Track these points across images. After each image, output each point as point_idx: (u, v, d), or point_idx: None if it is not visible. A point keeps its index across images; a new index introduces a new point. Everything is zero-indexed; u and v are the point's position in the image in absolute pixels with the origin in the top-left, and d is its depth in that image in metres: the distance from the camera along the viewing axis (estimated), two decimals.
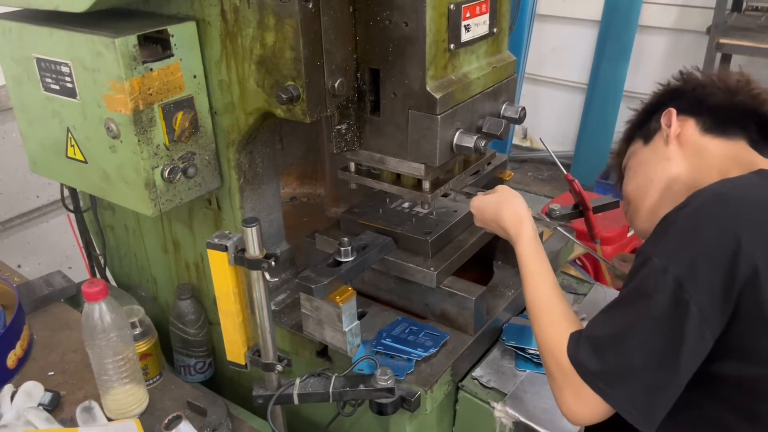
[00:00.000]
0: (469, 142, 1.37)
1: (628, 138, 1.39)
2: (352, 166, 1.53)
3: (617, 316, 1.09)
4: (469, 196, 1.54)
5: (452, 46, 1.33)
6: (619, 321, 1.08)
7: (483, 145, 1.38)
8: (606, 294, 1.77)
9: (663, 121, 1.27)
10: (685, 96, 1.28)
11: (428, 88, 1.30)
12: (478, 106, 1.43)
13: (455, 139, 1.37)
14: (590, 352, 1.08)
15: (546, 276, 1.28)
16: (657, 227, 1.09)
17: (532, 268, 1.30)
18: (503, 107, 1.53)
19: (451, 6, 1.29)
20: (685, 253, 1.01)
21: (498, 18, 1.44)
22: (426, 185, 1.44)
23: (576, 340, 1.12)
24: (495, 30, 1.45)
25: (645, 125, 1.34)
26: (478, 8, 1.37)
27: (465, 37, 1.36)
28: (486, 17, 1.40)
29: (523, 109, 1.53)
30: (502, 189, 1.45)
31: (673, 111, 1.26)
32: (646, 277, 1.04)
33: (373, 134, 1.42)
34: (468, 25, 1.35)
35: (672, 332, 1.01)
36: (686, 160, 1.24)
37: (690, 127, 1.25)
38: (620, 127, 4.93)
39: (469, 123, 1.42)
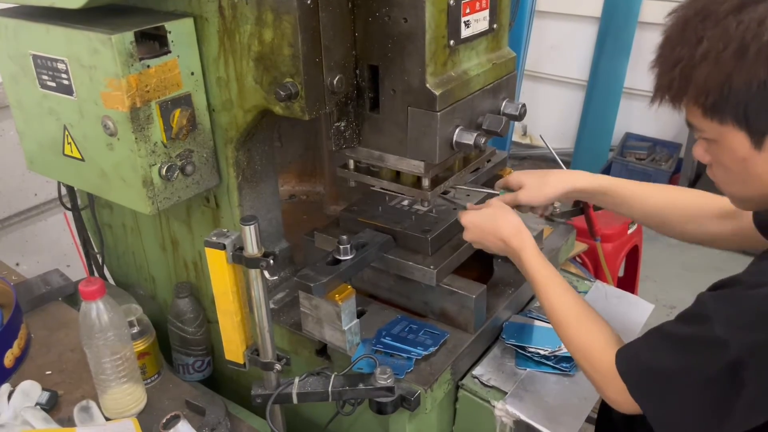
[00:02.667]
0: (469, 139, 1.36)
1: (710, 113, 1.00)
2: (351, 163, 1.52)
3: (667, 355, 1.06)
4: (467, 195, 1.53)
5: (452, 42, 1.32)
6: (668, 360, 1.05)
7: (483, 142, 1.37)
8: (606, 292, 1.77)
9: None
10: None
11: (428, 85, 1.29)
12: (477, 103, 1.42)
13: (455, 136, 1.36)
14: (639, 374, 1.10)
15: (561, 281, 1.28)
16: (733, 288, 1.00)
17: (545, 276, 1.29)
18: (503, 104, 1.52)
19: (451, 2, 1.28)
20: (756, 337, 0.94)
21: (498, 14, 1.44)
22: (425, 183, 1.43)
23: (625, 360, 1.12)
24: (495, 26, 1.44)
25: (750, 108, 0.96)
26: (477, 4, 1.36)
27: (465, 33, 1.35)
28: (486, 13, 1.39)
29: (524, 105, 1.52)
30: (495, 202, 1.43)
31: None
32: (703, 340, 0.99)
33: (372, 131, 1.41)
34: (468, 21, 1.34)
35: (721, 402, 0.98)
36: None
37: None
38: (620, 124, 4.97)
39: (469, 120, 1.41)
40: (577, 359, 1.23)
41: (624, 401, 1.12)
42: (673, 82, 1.00)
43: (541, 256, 1.32)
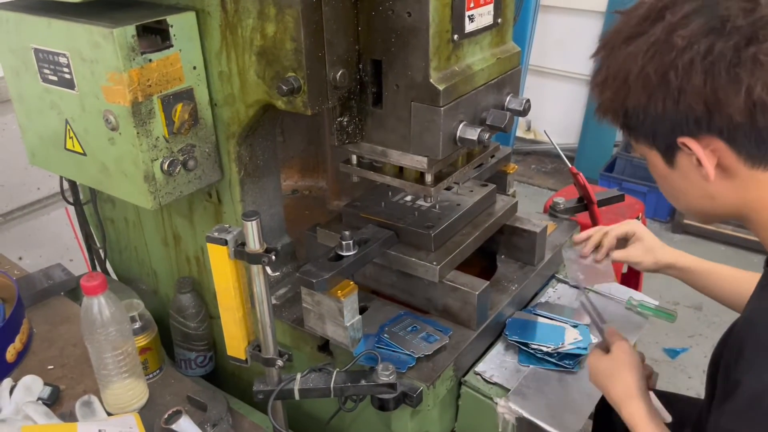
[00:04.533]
0: (473, 134, 1.35)
1: (626, 132, 1.10)
2: (354, 158, 1.52)
3: None
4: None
5: (456, 36, 1.31)
6: None
7: (487, 137, 1.36)
8: (610, 288, 1.76)
9: (683, 146, 0.99)
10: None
11: (431, 80, 1.28)
12: (481, 98, 1.41)
13: (458, 131, 1.35)
14: None
15: None
16: (747, 407, 0.96)
17: None
18: (507, 99, 1.50)
19: None
20: None
21: (502, 8, 1.42)
22: (429, 178, 1.42)
23: None
24: (499, 21, 1.43)
25: (648, 132, 1.04)
26: None
27: (469, 27, 1.34)
28: (490, 7, 1.38)
29: (528, 101, 1.50)
30: (616, 352, 1.29)
31: (693, 144, 0.98)
32: None
33: (375, 127, 1.40)
34: (472, 15, 1.33)
35: None
36: (738, 194, 1.02)
37: (729, 158, 0.98)
38: None
39: (473, 115, 1.40)
40: None
41: None
42: (597, 103, 1.09)
43: (651, 422, 1.19)
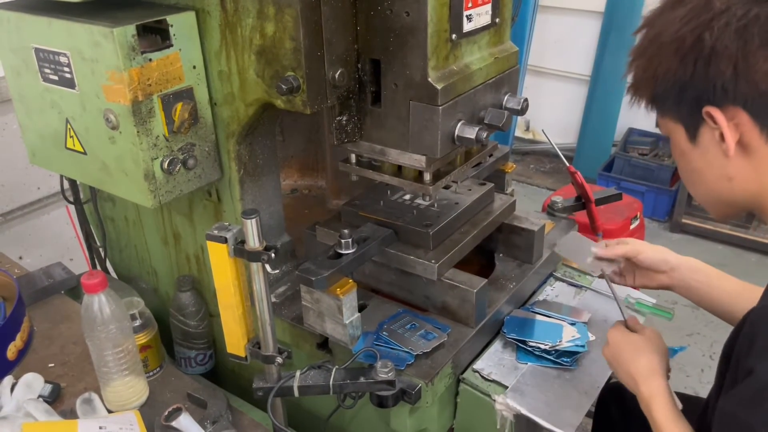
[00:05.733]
0: (471, 133, 1.35)
1: (654, 105, 1.10)
2: (353, 157, 1.52)
3: None
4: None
5: (454, 36, 1.32)
6: None
7: (485, 136, 1.36)
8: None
9: (708, 118, 1.00)
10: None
11: (430, 79, 1.28)
12: (479, 97, 1.42)
13: (457, 130, 1.36)
14: None
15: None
16: (758, 393, 0.93)
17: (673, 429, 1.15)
18: (505, 98, 1.51)
19: None
20: None
21: (500, 8, 1.43)
22: (427, 177, 1.43)
23: None
24: (497, 20, 1.43)
25: (675, 101, 1.04)
26: None
27: (467, 27, 1.34)
28: (488, 7, 1.39)
29: (526, 100, 1.51)
30: (650, 333, 1.31)
31: (718, 114, 0.98)
32: None
33: (374, 126, 1.40)
34: (470, 15, 1.34)
35: None
36: (757, 176, 1.02)
37: (751, 133, 0.98)
38: (623, 119, 4.95)
39: (471, 114, 1.41)
40: None
41: None
42: (630, 77, 1.11)
43: (670, 412, 1.18)
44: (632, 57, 1.09)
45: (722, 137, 1.00)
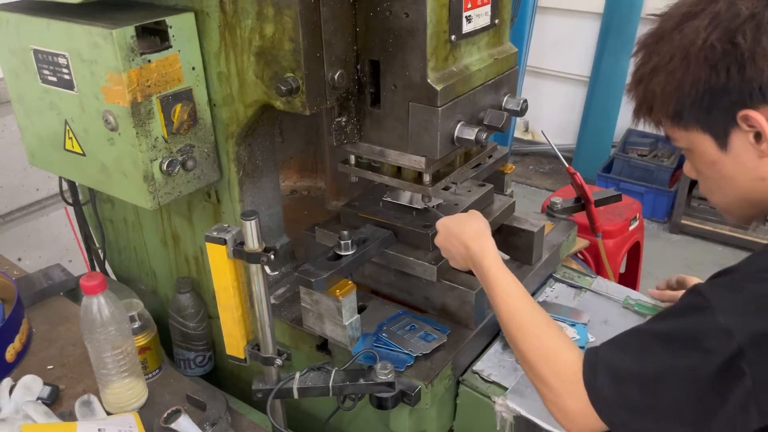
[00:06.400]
0: (470, 134, 1.35)
1: (676, 120, 1.07)
2: (352, 158, 1.52)
3: (652, 354, 1.00)
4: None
5: (453, 37, 1.32)
6: (653, 361, 1.00)
7: (484, 137, 1.36)
8: (608, 287, 1.76)
9: (742, 122, 0.99)
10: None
11: (429, 80, 1.28)
12: (479, 98, 1.42)
13: (456, 131, 1.36)
14: (610, 383, 1.02)
15: (520, 288, 1.24)
16: (732, 276, 0.99)
17: (504, 282, 1.25)
18: (505, 99, 1.51)
19: None
20: (759, 325, 0.91)
21: (500, 9, 1.43)
22: (426, 178, 1.43)
23: (592, 365, 1.05)
24: (496, 21, 1.43)
25: (704, 111, 1.03)
26: None
27: (466, 28, 1.34)
28: (487, 8, 1.39)
29: (525, 101, 1.51)
30: (471, 211, 1.44)
31: (756, 116, 0.97)
32: (704, 330, 0.95)
33: (374, 127, 1.40)
34: (469, 16, 1.34)
35: (713, 394, 0.94)
36: None
37: None
38: (623, 120, 4.94)
39: (470, 115, 1.41)
40: (536, 367, 1.13)
41: (582, 414, 1.04)
42: (640, 98, 1.10)
43: (500, 263, 1.29)
44: (641, 77, 1.07)
45: (756, 139, 0.99)
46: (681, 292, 1.55)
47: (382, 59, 1.32)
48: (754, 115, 0.97)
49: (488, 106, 1.46)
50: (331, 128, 1.40)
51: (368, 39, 1.32)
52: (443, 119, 1.31)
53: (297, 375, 1.35)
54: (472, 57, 1.40)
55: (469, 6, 1.33)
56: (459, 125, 1.36)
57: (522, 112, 1.52)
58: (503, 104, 1.51)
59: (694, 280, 1.57)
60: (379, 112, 1.38)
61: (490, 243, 1.33)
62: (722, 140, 1.03)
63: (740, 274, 0.99)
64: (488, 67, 1.43)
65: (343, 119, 1.39)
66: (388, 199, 1.61)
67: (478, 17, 1.37)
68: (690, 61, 0.99)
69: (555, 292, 1.76)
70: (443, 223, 1.41)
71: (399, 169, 1.48)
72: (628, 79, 1.14)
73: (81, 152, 1.48)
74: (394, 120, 1.36)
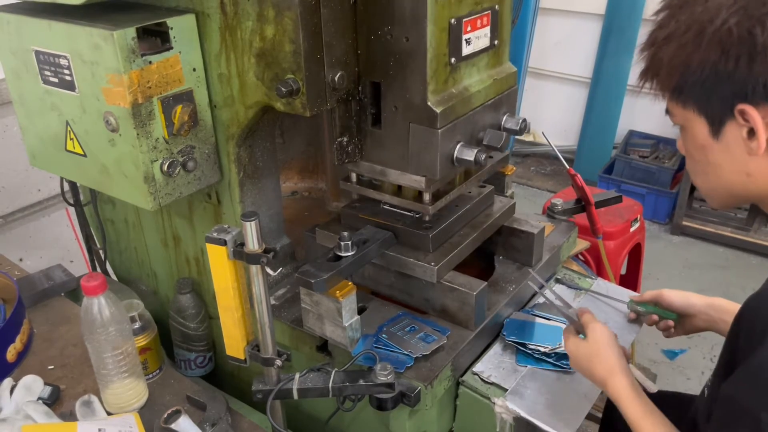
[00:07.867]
0: (470, 155, 1.36)
1: (676, 94, 1.05)
2: (354, 176, 1.53)
3: None
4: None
5: (453, 60, 1.32)
6: None
7: (483, 158, 1.37)
8: (608, 289, 1.77)
9: (739, 116, 0.97)
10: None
11: (429, 103, 1.29)
12: (478, 118, 1.43)
13: (456, 152, 1.37)
14: None
15: (661, 418, 1.19)
16: (758, 375, 0.94)
17: (641, 417, 1.19)
18: (504, 119, 1.52)
19: (452, 20, 1.28)
20: None
21: (499, 29, 1.43)
22: (427, 197, 1.44)
23: None
24: (496, 42, 1.44)
25: (705, 93, 1.00)
26: (479, 21, 1.36)
27: (466, 50, 1.35)
28: (487, 30, 1.39)
29: (524, 120, 1.52)
30: (592, 335, 1.33)
31: (753, 113, 0.95)
32: None
33: (375, 146, 1.41)
34: (469, 38, 1.34)
35: None
36: None
37: None
38: (624, 122, 4.94)
39: (470, 136, 1.41)
40: None
41: None
42: (648, 63, 1.06)
43: (636, 396, 1.22)
44: (654, 40, 1.03)
45: (749, 135, 0.97)
46: (661, 291, 1.58)
47: (383, 81, 1.33)
48: (752, 111, 0.95)
49: (488, 126, 1.46)
50: (333, 147, 1.41)
51: (369, 61, 1.33)
52: (443, 141, 1.32)
53: (297, 376, 1.36)
54: (472, 78, 1.41)
55: (469, 29, 1.33)
56: (459, 146, 1.37)
57: (521, 132, 1.52)
58: (503, 123, 1.52)
59: (670, 294, 1.58)
60: (380, 133, 1.39)
61: (622, 384, 1.24)
62: (716, 127, 1.01)
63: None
64: (488, 87, 1.43)
65: (345, 139, 1.40)
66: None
67: (478, 39, 1.38)
68: (704, 38, 0.95)
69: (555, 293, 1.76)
70: (574, 352, 1.34)
71: (400, 187, 1.48)
72: (641, 40, 1.10)
73: (82, 153, 1.48)
74: (394, 140, 1.37)
